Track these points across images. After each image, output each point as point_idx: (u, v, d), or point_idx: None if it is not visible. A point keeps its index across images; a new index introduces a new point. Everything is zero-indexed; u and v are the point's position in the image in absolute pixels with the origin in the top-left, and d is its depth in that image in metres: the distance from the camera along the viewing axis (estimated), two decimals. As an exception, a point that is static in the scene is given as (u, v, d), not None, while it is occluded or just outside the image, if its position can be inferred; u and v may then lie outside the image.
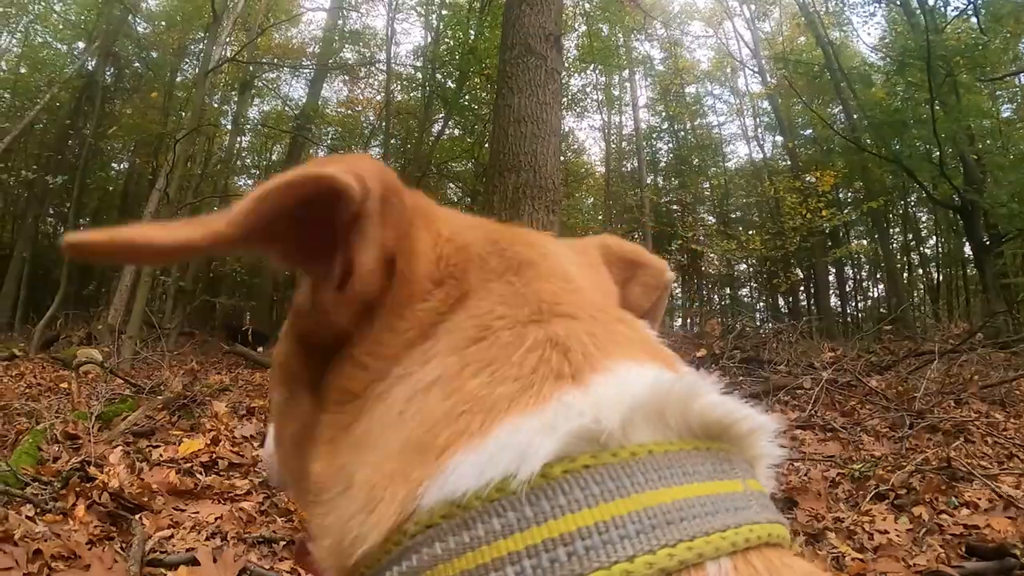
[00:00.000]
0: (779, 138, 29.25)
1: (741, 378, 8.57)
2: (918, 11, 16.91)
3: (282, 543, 3.27)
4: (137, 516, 3.36)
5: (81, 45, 21.13)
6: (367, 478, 0.47)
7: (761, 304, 32.90)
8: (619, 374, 0.47)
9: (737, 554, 0.40)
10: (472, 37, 20.01)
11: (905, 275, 27.33)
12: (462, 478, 0.42)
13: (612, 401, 0.44)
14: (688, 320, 32.05)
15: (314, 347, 0.57)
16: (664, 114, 32.54)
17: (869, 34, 26.63)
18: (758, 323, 26.99)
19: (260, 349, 14.44)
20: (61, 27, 21.26)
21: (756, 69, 29.05)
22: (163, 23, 23.17)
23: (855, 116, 20.54)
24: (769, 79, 26.99)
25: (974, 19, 15.76)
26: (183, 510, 3.61)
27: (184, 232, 0.45)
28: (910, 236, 28.53)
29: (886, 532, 3.53)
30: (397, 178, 0.53)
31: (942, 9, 17.41)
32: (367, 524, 0.45)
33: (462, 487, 0.42)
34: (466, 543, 0.40)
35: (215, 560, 2.94)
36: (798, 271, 27.99)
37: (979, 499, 3.99)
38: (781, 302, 30.48)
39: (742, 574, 0.40)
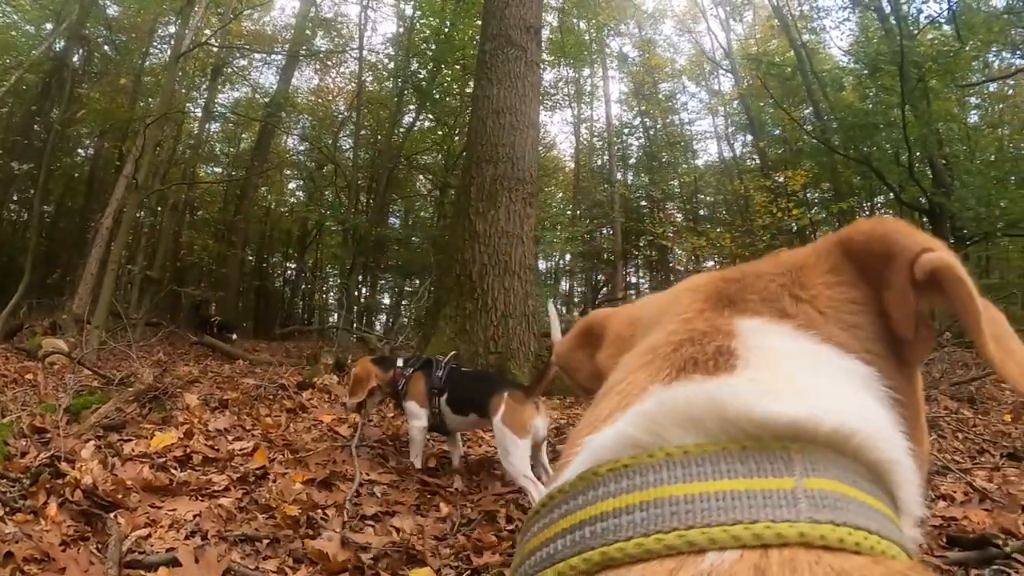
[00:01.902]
0: (749, 137, 29.51)
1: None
2: (892, 17, 17.11)
3: (265, 541, 3.17)
4: (112, 514, 3.23)
5: (50, 26, 20.58)
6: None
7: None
8: (665, 392, 0.56)
9: (751, 549, 0.43)
10: (448, 27, 19.88)
11: (871, 275, 27.64)
12: (562, 477, 0.56)
13: (644, 413, 0.54)
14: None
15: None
16: (636, 110, 32.64)
17: (842, 39, 26.85)
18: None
19: (234, 337, 14.23)
20: (29, 8, 20.70)
21: (729, 69, 29.23)
22: (134, 5, 22.66)
23: (825, 118, 20.75)
24: (743, 78, 27.16)
25: (947, 27, 15.97)
26: (159, 507, 3.49)
27: None
28: (876, 237, 28.89)
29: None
30: (599, 319, 0.86)
31: (915, 16, 17.65)
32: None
33: (560, 480, 0.55)
34: (545, 523, 0.53)
35: (197, 560, 2.84)
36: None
37: (955, 492, 4.03)
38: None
39: (744, 564, 0.43)
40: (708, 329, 0.63)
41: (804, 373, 0.55)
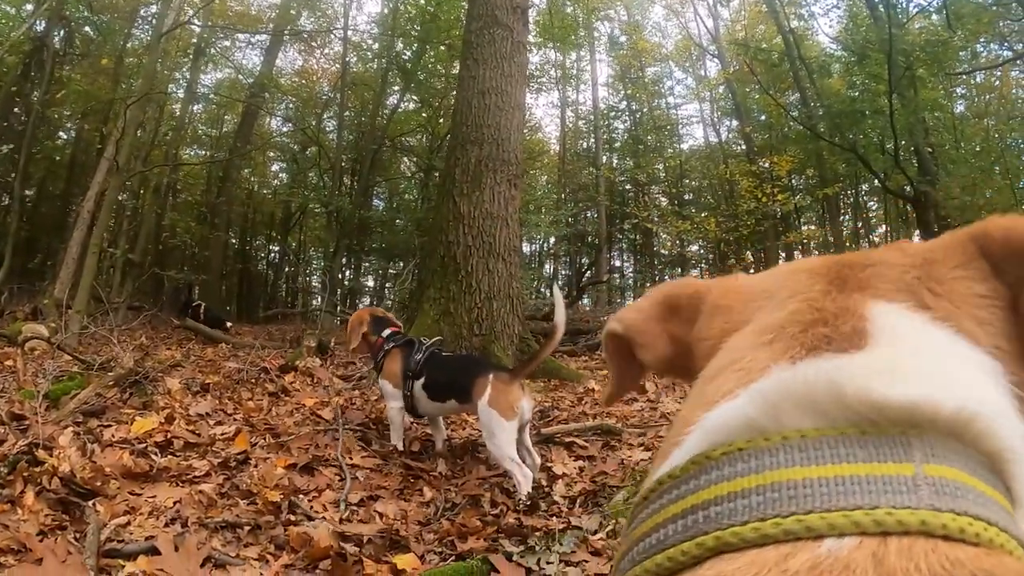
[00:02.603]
0: (735, 122, 29.53)
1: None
2: (880, 5, 17.11)
3: (246, 528, 3.13)
4: (91, 502, 3.18)
5: (30, 7, 20.21)
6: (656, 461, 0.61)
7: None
8: (787, 372, 0.54)
9: (870, 536, 0.42)
10: (434, 6, 19.73)
11: (854, 262, 27.86)
12: (673, 460, 0.54)
13: (762, 395, 0.53)
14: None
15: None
16: (623, 93, 32.57)
17: (830, 26, 26.90)
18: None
19: (229, 325, 14.10)
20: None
21: (715, 54, 29.20)
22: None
23: (812, 104, 20.78)
24: (729, 63, 27.14)
25: (935, 16, 16.02)
26: (139, 494, 3.44)
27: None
28: (860, 224, 29.10)
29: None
30: (689, 290, 0.80)
31: (904, 4, 17.68)
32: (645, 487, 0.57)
33: (671, 465, 0.53)
34: (654, 508, 0.52)
35: (177, 548, 2.79)
36: (749, 255, 28.39)
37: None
38: (732, 284, 30.87)
39: (863, 551, 0.41)
40: (838, 310, 0.61)
41: (932, 358, 0.55)
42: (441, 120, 21.82)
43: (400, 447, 4.58)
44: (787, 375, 0.53)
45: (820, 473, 0.45)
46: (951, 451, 0.47)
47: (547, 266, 32.63)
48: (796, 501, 0.44)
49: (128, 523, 3.08)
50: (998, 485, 0.48)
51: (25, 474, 3.32)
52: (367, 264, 28.46)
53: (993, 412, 0.49)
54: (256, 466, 3.97)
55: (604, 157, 30.51)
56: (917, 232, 20.07)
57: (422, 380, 4.49)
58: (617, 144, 32.70)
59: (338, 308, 15.57)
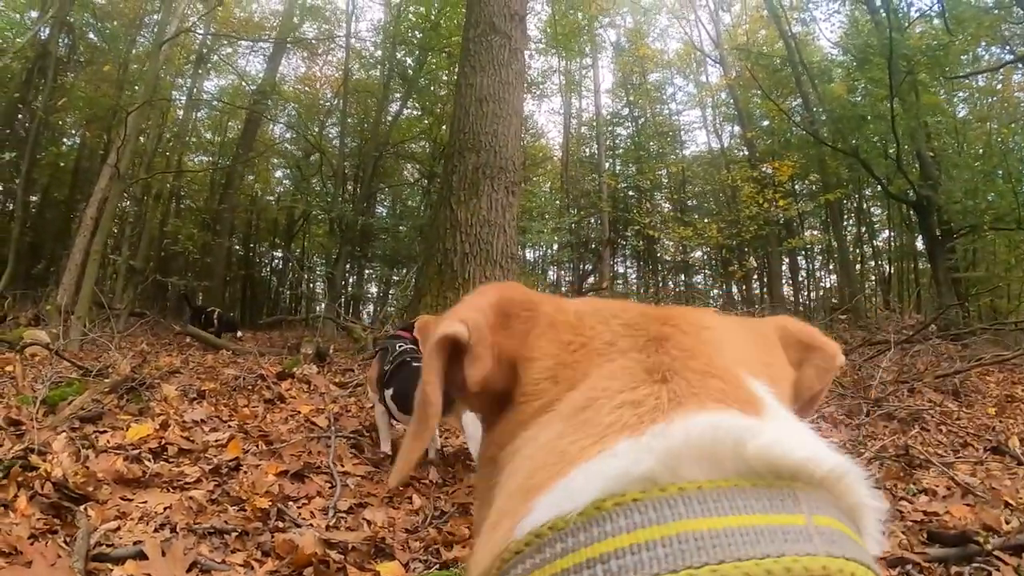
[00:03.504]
0: (737, 128, 29.52)
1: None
2: (881, 9, 17.13)
3: (234, 534, 3.16)
4: (82, 507, 3.21)
5: (34, 14, 20.34)
6: (493, 516, 0.58)
7: (715, 291, 33.25)
8: (677, 421, 0.53)
9: None
10: (435, 13, 19.82)
11: (857, 267, 27.85)
12: (541, 514, 0.51)
13: (660, 444, 0.51)
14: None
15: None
16: (625, 100, 32.60)
17: (832, 31, 26.96)
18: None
19: (239, 334, 14.11)
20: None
21: (717, 60, 29.23)
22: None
23: (814, 110, 20.79)
24: (731, 68, 27.17)
25: (936, 20, 16.02)
26: (130, 500, 3.47)
27: (413, 449, 0.71)
28: (863, 229, 29.04)
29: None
30: (521, 296, 0.73)
31: (905, 9, 17.69)
32: (485, 551, 0.55)
33: (541, 520, 0.50)
34: (536, 564, 0.48)
35: (164, 554, 2.82)
36: (752, 260, 28.35)
37: (937, 486, 4.06)
38: (735, 290, 30.85)
39: None
40: (712, 371, 0.62)
41: (799, 426, 0.59)
42: (443, 127, 21.89)
43: (387, 451, 4.60)
44: (685, 425, 0.52)
45: (724, 524, 0.45)
46: (827, 503, 0.50)
47: (551, 272, 32.64)
48: (705, 551, 0.44)
49: (118, 528, 3.11)
50: (857, 531, 0.52)
51: (19, 479, 3.35)
52: (370, 271, 28.51)
53: (851, 472, 0.52)
54: (247, 473, 4.00)
55: (607, 164, 30.54)
56: (920, 237, 20.08)
57: (391, 390, 4.40)
58: (620, 151, 32.72)
59: (339, 315, 15.59)
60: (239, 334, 14.22)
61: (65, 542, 2.87)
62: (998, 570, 2.95)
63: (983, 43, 17.74)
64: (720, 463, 0.49)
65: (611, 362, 0.64)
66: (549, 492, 0.52)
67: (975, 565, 3.00)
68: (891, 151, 16.82)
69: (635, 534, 0.46)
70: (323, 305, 24.42)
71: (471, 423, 3.98)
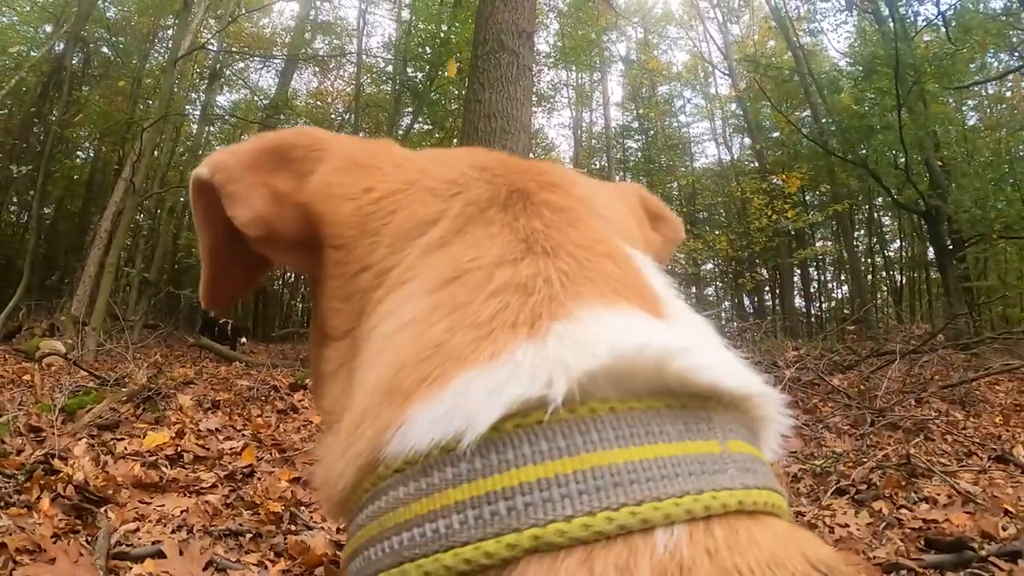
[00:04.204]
0: (747, 140, 29.56)
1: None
2: (889, 20, 17.15)
3: (248, 536, 3.26)
4: (102, 509, 3.32)
5: (49, 28, 20.64)
6: (353, 415, 0.50)
7: (726, 303, 33.23)
8: (583, 322, 0.46)
9: (697, 522, 0.40)
10: (445, 29, 19.97)
11: (869, 277, 27.75)
12: (422, 429, 0.43)
13: (569, 356, 0.44)
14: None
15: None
16: (635, 113, 32.69)
17: (839, 41, 26.96)
18: (723, 322, 27.28)
19: (243, 341, 14.26)
20: (28, 9, 20.77)
21: (726, 72, 29.29)
22: (133, 8, 22.74)
23: (823, 120, 20.79)
24: (740, 81, 27.22)
25: (943, 29, 16.02)
26: (148, 503, 3.58)
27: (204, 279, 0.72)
28: (874, 239, 28.96)
29: (847, 526, 3.60)
30: (309, 139, 0.66)
31: (912, 19, 17.69)
32: (342, 457, 0.49)
33: (424, 437, 0.43)
34: (423, 489, 0.42)
35: (181, 553, 2.92)
36: (763, 271, 28.28)
37: (938, 495, 4.07)
38: (746, 301, 30.82)
39: (696, 547, 0.38)
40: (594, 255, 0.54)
41: (695, 323, 0.54)
42: (454, 141, 22.01)
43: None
44: (604, 333, 0.45)
45: (640, 455, 0.41)
46: (738, 424, 0.47)
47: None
48: (623, 489, 0.39)
49: (137, 529, 3.21)
50: (760, 447, 0.48)
51: (41, 482, 3.47)
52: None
53: (761, 391, 0.48)
54: (261, 479, 4.10)
55: (617, 176, 30.61)
56: (930, 247, 20.04)
57: None
58: (630, 163, 32.82)
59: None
60: (243, 340, 14.41)
61: (87, 541, 2.98)
62: (992, 576, 2.98)
63: (991, 50, 17.69)
64: (634, 381, 0.44)
65: (466, 219, 0.57)
66: (429, 402, 0.44)
67: (970, 571, 3.02)
68: (900, 161, 16.83)
69: (544, 466, 0.40)
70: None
71: None
